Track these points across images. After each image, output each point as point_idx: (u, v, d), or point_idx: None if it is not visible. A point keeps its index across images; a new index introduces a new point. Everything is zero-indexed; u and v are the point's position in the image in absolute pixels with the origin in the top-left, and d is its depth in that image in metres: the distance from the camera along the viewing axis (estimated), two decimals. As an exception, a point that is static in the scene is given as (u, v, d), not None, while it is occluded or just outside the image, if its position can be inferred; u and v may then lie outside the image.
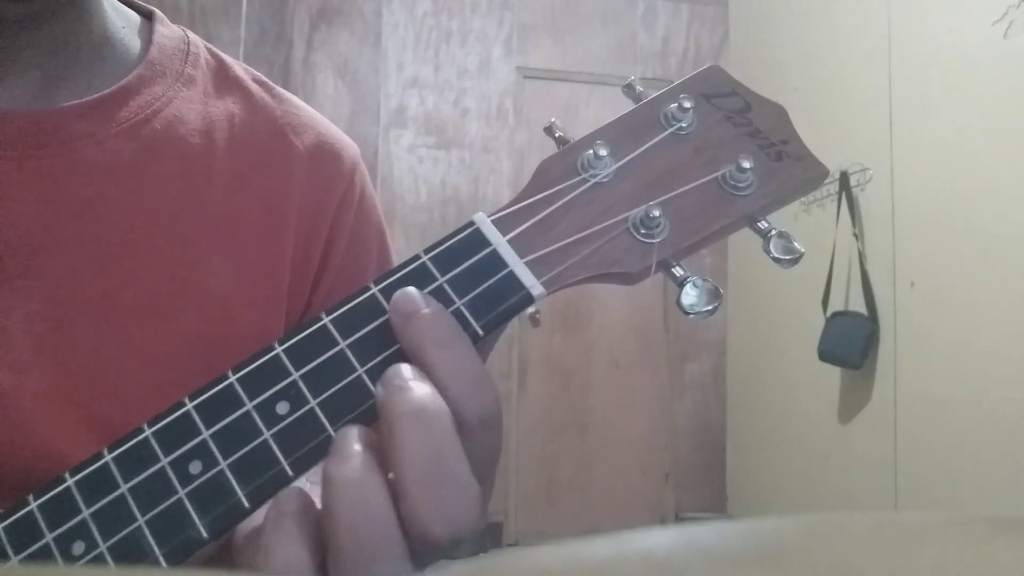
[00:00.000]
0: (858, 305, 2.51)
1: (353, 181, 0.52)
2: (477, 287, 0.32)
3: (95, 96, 0.44)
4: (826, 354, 2.56)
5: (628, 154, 0.35)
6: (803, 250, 0.34)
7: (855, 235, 2.55)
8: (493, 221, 0.33)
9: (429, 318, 0.30)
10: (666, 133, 0.36)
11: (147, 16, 0.51)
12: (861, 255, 2.52)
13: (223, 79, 0.50)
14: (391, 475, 0.27)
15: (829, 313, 2.59)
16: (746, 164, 0.34)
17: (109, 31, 0.47)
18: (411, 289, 0.31)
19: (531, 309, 3.40)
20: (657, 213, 0.33)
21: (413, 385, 0.28)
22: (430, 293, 0.31)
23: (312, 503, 0.29)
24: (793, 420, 2.90)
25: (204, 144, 0.46)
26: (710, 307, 0.33)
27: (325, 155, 0.51)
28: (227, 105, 0.49)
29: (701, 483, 3.48)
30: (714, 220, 0.34)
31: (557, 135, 0.37)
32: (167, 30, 0.50)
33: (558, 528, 3.33)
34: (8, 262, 0.40)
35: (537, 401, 3.40)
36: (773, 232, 0.34)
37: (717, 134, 0.36)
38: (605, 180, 0.34)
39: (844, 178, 2.58)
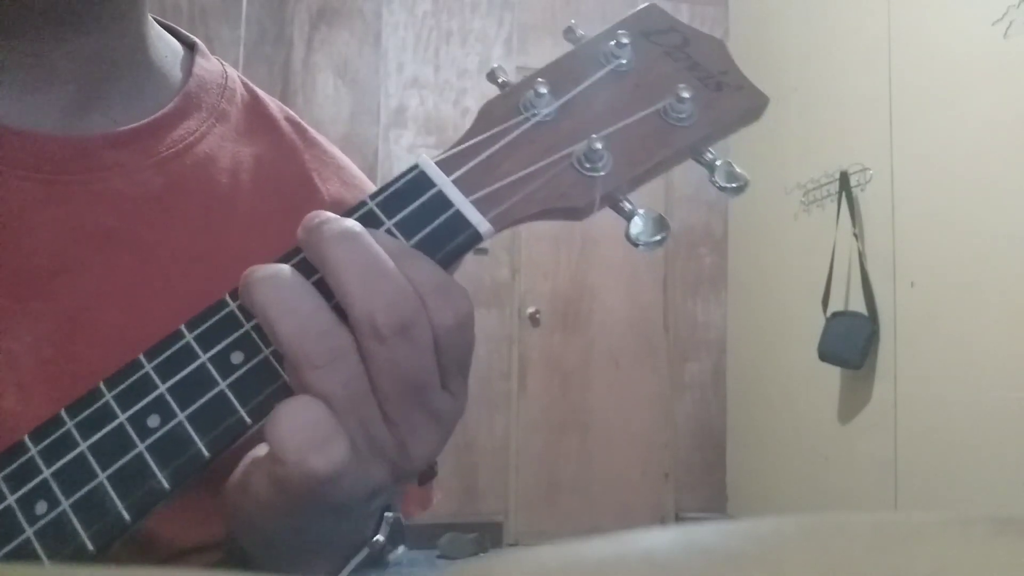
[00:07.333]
0: (858, 305, 2.51)
1: None
2: (424, 228, 0.32)
3: (129, 127, 0.44)
4: (826, 354, 2.56)
5: (569, 92, 0.35)
6: (748, 177, 0.34)
7: (855, 235, 2.55)
8: (437, 163, 0.33)
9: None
10: (606, 70, 0.36)
11: (190, 46, 0.51)
12: (861, 255, 2.52)
13: (256, 116, 0.50)
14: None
15: (829, 313, 2.59)
16: (685, 95, 0.34)
17: (151, 58, 0.47)
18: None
19: (531, 309, 3.40)
20: (600, 146, 0.33)
21: (333, 220, 0.29)
22: None
23: None
24: (793, 420, 2.90)
25: (231, 184, 0.46)
26: (657, 237, 0.33)
27: (348, 204, 0.51)
28: (257, 145, 0.49)
29: (701, 483, 3.48)
30: (656, 151, 0.34)
31: (500, 80, 0.37)
32: (207, 63, 0.50)
33: (558, 528, 3.33)
34: (24, 283, 0.40)
35: (537, 401, 3.39)
36: (718, 162, 0.34)
37: (657, 69, 0.36)
38: (547, 119, 0.34)
39: (844, 178, 2.58)
